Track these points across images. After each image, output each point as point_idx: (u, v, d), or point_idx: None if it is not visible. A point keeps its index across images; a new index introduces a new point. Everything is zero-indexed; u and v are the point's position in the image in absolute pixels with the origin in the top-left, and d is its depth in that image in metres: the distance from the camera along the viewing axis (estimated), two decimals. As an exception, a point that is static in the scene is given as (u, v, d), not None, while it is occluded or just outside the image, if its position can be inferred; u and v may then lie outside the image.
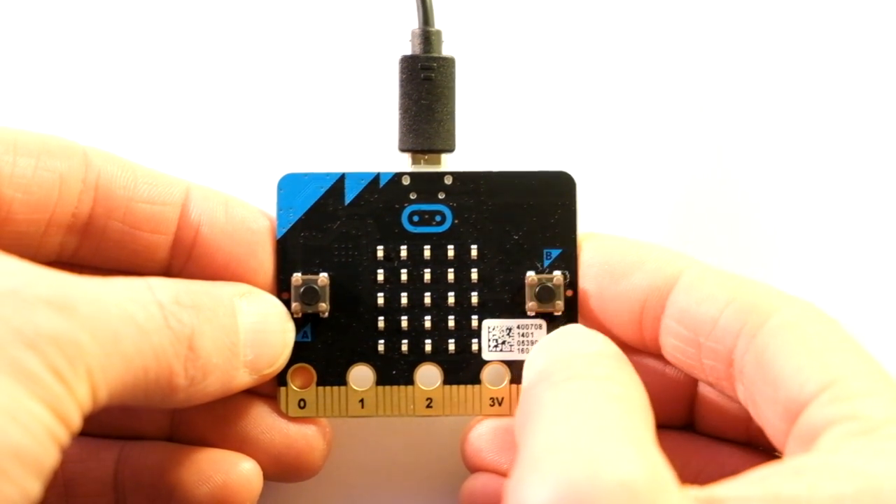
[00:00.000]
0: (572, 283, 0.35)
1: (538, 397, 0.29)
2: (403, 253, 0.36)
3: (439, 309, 0.36)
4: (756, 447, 0.35)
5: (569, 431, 0.27)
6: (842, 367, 0.29)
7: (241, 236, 0.34)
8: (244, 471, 0.34)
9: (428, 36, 0.36)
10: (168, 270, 0.34)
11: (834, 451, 0.27)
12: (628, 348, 0.33)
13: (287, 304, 0.35)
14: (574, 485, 0.25)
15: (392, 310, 0.35)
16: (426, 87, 0.36)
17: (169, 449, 0.35)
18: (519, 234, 0.35)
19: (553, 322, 0.35)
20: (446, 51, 0.36)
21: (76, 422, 0.27)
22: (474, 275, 0.36)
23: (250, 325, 0.33)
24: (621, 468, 0.25)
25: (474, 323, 0.36)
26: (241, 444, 0.35)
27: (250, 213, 0.35)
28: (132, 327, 0.29)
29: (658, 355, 0.34)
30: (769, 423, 0.31)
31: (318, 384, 0.35)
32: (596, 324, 0.35)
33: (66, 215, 0.33)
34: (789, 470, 0.27)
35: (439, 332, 0.36)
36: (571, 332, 0.34)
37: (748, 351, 0.31)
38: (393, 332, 0.35)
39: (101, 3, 0.41)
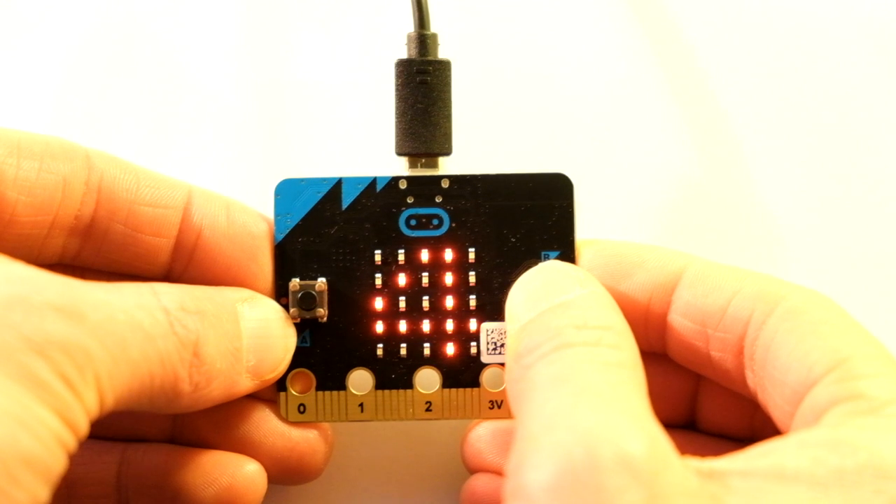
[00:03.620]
0: (570, 285, 0.35)
1: (529, 370, 0.29)
2: (401, 257, 0.36)
3: (437, 312, 0.36)
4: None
5: (564, 407, 0.27)
6: (849, 350, 0.30)
7: (243, 241, 0.34)
8: (249, 473, 0.34)
9: (423, 39, 0.36)
10: (169, 273, 0.34)
11: (838, 427, 0.28)
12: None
13: (285, 309, 0.35)
14: (573, 464, 0.25)
15: (390, 314, 0.35)
16: (422, 91, 0.36)
17: (173, 451, 0.34)
18: (516, 237, 0.36)
19: (551, 324, 0.35)
20: (442, 54, 0.36)
21: (84, 428, 0.27)
22: (472, 278, 0.36)
23: (253, 331, 0.33)
24: (620, 444, 0.25)
25: (473, 326, 0.36)
26: (243, 448, 0.35)
27: (251, 218, 0.35)
28: (139, 334, 0.29)
29: (661, 356, 0.35)
30: (777, 407, 0.31)
31: (318, 389, 0.35)
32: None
33: (68, 218, 0.33)
34: (792, 444, 0.27)
35: (438, 336, 0.36)
36: (551, 274, 0.33)
37: (758, 337, 0.32)
38: (391, 337, 0.35)
39: (102, 6, 0.40)
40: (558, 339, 0.29)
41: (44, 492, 0.26)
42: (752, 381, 0.32)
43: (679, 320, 0.33)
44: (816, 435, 0.28)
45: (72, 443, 0.27)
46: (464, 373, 0.36)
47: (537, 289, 0.32)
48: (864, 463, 0.26)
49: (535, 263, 0.35)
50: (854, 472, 0.26)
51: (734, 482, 0.26)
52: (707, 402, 0.35)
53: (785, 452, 0.27)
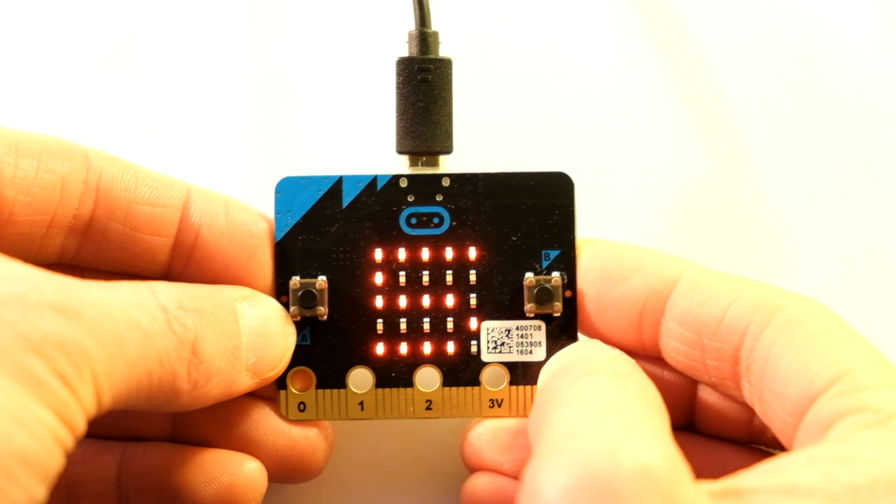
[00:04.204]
0: (571, 283, 0.35)
1: (555, 391, 0.30)
2: (402, 255, 0.35)
3: (438, 311, 0.36)
4: (758, 446, 0.35)
5: (588, 419, 0.27)
6: (850, 361, 0.29)
7: (242, 239, 0.34)
8: (249, 471, 0.34)
9: (425, 37, 0.36)
10: (168, 273, 0.34)
11: (846, 441, 0.28)
12: (627, 352, 0.33)
13: (285, 307, 0.35)
14: (593, 469, 0.25)
15: (391, 312, 0.35)
16: (423, 89, 0.36)
17: (173, 450, 0.34)
18: (517, 236, 0.35)
19: (552, 323, 0.35)
20: (443, 52, 0.36)
21: (81, 426, 0.27)
22: (472, 276, 0.36)
23: (252, 329, 0.33)
24: (641, 454, 0.25)
25: (473, 325, 0.35)
26: (243, 446, 0.35)
27: (250, 216, 0.35)
28: (137, 332, 0.28)
29: (657, 359, 0.35)
30: (777, 419, 0.31)
31: (318, 387, 0.35)
32: (594, 329, 0.35)
33: (67, 217, 0.33)
34: (803, 459, 0.27)
35: (438, 335, 0.36)
36: (587, 342, 0.35)
37: (755, 348, 0.31)
38: (392, 335, 0.35)
39: (101, 4, 0.40)
40: (588, 367, 0.30)
41: (41, 490, 0.26)
42: (749, 391, 0.32)
43: (675, 328, 0.33)
44: (826, 450, 0.28)
45: (69, 441, 0.26)
46: (464, 371, 0.36)
47: (570, 349, 0.35)
48: (877, 477, 0.26)
49: (535, 267, 0.35)
50: (867, 488, 0.26)
51: (749, 499, 0.26)
52: (705, 406, 0.35)
53: (796, 468, 0.27)
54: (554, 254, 0.35)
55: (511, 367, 0.35)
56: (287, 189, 0.35)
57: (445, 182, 0.36)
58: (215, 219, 0.34)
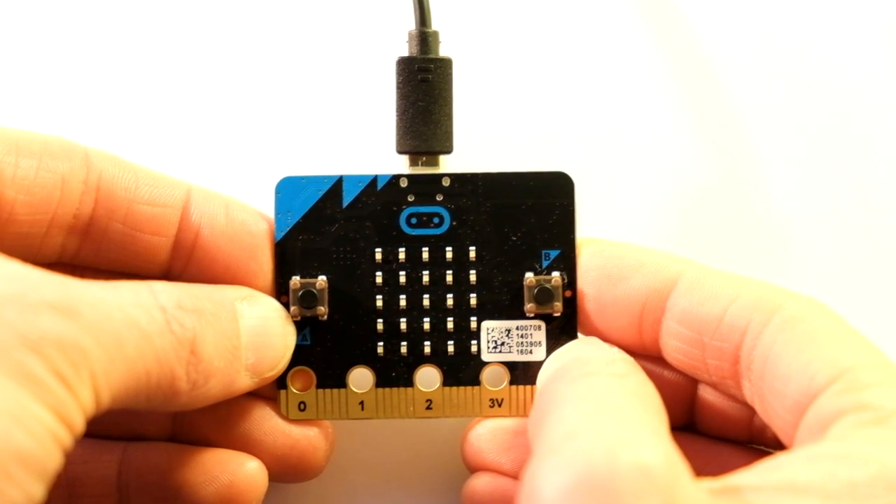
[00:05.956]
0: (571, 283, 0.35)
1: (554, 393, 0.30)
2: (402, 255, 0.36)
3: (438, 311, 0.36)
4: (757, 446, 0.35)
5: (586, 419, 0.27)
6: (850, 359, 0.29)
7: (242, 239, 0.34)
8: (250, 470, 0.34)
9: (425, 37, 0.36)
10: (168, 272, 0.34)
11: (846, 439, 0.28)
12: (627, 352, 0.34)
13: (286, 307, 0.35)
14: (592, 468, 0.25)
15: (391, 312, 0.35)
16: (423, 89, 0.36)
17: (173, 449, 0.35)
18: (517, 236, 0.35)
19: (552, 323, 0.35)
20: (443, 52, 0.36)
21: (79, 425, 0.27)
22: (473, 276, 0.36)
23: (251, 329, 0.33)
24: (639, 453, 0.25)
25: (473, 324, 0.36)
26: (244, 446, 0.35)
27: (250, 216, 0.35)
28: (135, 331, 0.29)
29: (657, 358, 0.35)
30: (777, 417, 0.31)
31: (318, 387, 0.35)
32: (595, 329, 0.35)
33: (67, 216, 0.33)
34: (802, 457, 0.27)
35: (438, 334, 0.36)
36: (585, 340, 0.35)
37: (756, 347, 0.31)
38: (392, 335, 0.35)
39: (101, 4, 0.41)
40: (586, 368, 0.31)
41: (38, 489, 0.26)
42: (749, 389, 0.32)
43: (675, 327, 0.33)
44: (825, 448, 0.28)
45: (67, 440, 0.27)
46: (464, 371, 0.36)
47: (569, 348, 0.35)
48: (876, 475, 0.26)
49: (535, 267, 0.35)
50: (866, 485, 0.26)
51: (747, 496, 0.26)
52: (705, 405, 0.35)
53: (796, 466, 0.27)
54: (554, 254, 0.35)
55: (511, 366, 0.35)
56: (287, 189, 0.35)
57: (445, 182, 0.36)
58: (215, 219, 0.34)
